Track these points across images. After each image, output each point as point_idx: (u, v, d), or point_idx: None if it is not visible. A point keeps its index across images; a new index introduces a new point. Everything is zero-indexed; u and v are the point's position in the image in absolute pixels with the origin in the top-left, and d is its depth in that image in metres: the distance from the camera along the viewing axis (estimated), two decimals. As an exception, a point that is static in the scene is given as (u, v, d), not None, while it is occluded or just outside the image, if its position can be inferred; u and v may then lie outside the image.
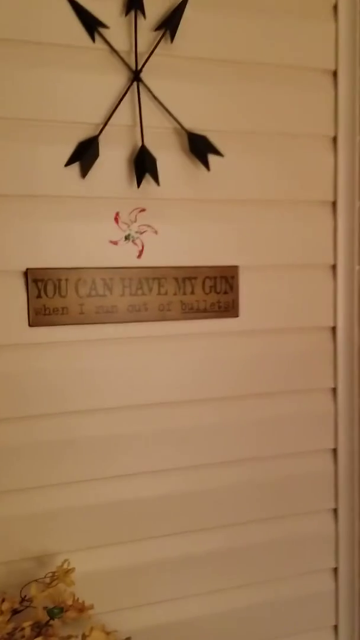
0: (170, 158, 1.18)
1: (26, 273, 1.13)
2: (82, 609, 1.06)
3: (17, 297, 1.13)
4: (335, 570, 1.43)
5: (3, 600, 0.99)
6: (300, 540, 1.39)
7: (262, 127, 1.25)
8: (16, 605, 1.00)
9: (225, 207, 1.24)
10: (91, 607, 1.08)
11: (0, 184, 1.10)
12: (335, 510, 1.41)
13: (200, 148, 1.16)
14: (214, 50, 1.19)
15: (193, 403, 1.27)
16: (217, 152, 1.17)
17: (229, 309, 1.26)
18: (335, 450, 1.39)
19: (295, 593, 1.40)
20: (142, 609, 1.28)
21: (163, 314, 1.21)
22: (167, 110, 1.15)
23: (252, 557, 1.36)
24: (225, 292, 1.25)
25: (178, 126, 1.17)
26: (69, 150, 1.12)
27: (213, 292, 1.24)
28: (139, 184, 1.14)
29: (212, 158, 1.18)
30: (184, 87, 1.18)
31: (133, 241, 1.19)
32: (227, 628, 1.35)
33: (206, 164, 1.17)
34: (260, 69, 1.24)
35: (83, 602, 1.08)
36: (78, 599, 1.08)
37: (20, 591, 1.06)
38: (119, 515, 1.24)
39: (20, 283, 1.13)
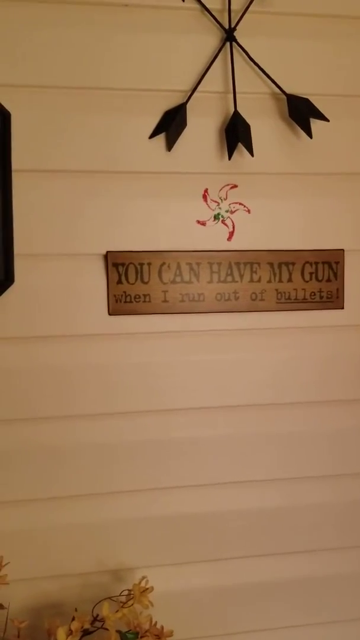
0: (266, 126, 1.06)
1: (106, 256, 1.03)
2: (160, 635, 0.93)
3: (96, 282, 1.04)
4: None
5: (73, 619, 0.88)
6: None
7: (373, 90, 1.08)
8: (87, 625, 0.89)
9: (329, 181, 1.09)
10: (170, 633, 0.96)
11: (78, 159, 1.02)
12: None
13: (301, 112, 1.02)
14: (316, 4, 1.06)
15: (288, 407, 1.13)
16: (321, 117, 1.02)
17: (333, 300, 1.10)
18: None
19: None
20: (229, 639, 1.14)
21: (255, 304, 1.08)
22: (263, 71, 1.02)
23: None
24: (329, 280, 1.09)
25: (275, 90, 1.04)
26: (153, 121, 1.03)
27: (314, 279, 1.09)
28: (230, 155, 1.02)
29: (314, 125, 1.03)
30: (283, 46, 1.05)
31: (223, 221, 1.06)
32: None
33: (308, 130, 1.02)
34: (371, 24, 1.08)
35: (162, 627, 0.96)
36: (156, 623, 0.96)
37: (93, 609, 0.95)
38: (204, 530, 1.12)
39: (99, 267, 1.04)
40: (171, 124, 1.01)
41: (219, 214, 1.06)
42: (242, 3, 1.02)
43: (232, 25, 1.01)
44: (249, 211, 1.07)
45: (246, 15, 1.02)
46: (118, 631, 0.90)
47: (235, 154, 1.02)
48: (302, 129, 1.03)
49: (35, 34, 0.98)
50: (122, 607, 0.92)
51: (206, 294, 1.06)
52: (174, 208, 1.05)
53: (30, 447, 1.05)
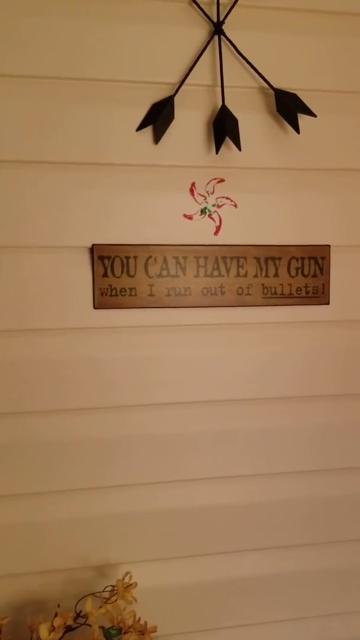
0: (253, 121, 1.05)
1: (92, 249, 1.02)
2: (143, 631, 0.93)
3: (82, 276, 1.03)
4: None
5: (56, 615, 0.87)
6: None
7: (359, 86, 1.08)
8: (70, 622, 0.88)
9: (316, 176, 1.09)
10: (154, 629, 0.96)
11: (64, 151, 1.01)
12: None
13: (289, 107, 1.01)
14: (305, -1, 1.05)
15: (272, 402, 1.13)
16: (308, 112, 1.02)
17: (318, 295, 1.10)
18: None
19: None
20: (213, 634, 1.14)
21: (241, 299, 1.07)
22: (252, 66, 1.02)
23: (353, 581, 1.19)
24: (314, 275, 1.09)
25: (263, 84, 1.03)
26: (141, 113, 1.02)
27: (300, 274, 1.09)
28: (217, 149, 1.01)
29: (302, 120, 1.03)
30: (271, 41, 1.05)
31: (210, 215, 1.06)
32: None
33: (296, 126, 1.02)
34: (357, 20, 1.08)
35: (145, 622, 0.95)
36: (139, 619, 0.95)
37: (76, 605, 0.94)
38: (188, 525, 1.12)
39: (85, 260, 1.03)
40: (159, 117, 1.00)
41: (205, 208, 1.06)
42: (231, -5, 1.02)
43: (221, 19, 1.01)
44: (235, 205, 1.07)
45: (235, 8, 1.01)
46: (101, 627, 0.89)
47: (222, 148, 1.02)
48: (289, 124, 1.02)
49: (21, 23, 0.97)
50: (105, 603, 0.91)
51: (192, 288, 1.06)
52: (161, 201, 1.04)
53: (14, 442, 1.04)
